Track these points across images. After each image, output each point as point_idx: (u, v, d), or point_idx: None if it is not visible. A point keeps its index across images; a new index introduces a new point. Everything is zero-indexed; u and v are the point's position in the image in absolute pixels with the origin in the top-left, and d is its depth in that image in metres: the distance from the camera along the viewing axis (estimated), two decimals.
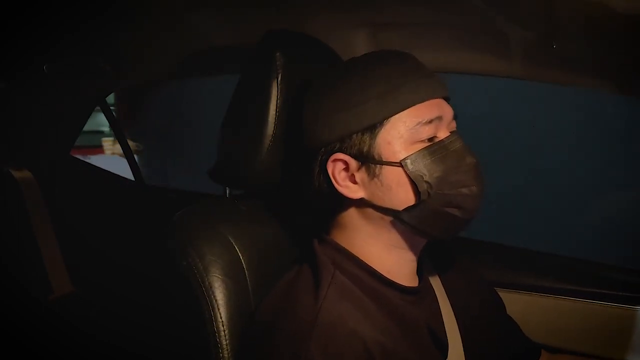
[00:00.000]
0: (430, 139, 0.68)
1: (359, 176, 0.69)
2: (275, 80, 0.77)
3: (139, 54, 1.26)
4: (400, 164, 0.67)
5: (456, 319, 0.77)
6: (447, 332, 0.74)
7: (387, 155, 0.67)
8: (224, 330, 0.71)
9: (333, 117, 0.69)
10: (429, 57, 0.86)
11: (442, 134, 0.69)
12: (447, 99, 0.72)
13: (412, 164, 0.66)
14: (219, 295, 0.71)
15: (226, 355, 0.70)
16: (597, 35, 0.76)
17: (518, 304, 1.09)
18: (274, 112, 0.77)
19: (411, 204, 0.67)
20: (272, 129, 0.77)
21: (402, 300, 0.71)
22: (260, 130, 0.77)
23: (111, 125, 1.79)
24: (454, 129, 0.71)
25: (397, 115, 0.67)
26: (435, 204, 0.67)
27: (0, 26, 1.05)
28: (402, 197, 0.68)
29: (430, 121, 0.67)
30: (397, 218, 0.69)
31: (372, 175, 0.68)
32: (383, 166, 0.67)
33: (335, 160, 0.69)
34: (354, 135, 0.68)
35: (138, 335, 1.36)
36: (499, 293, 0.93)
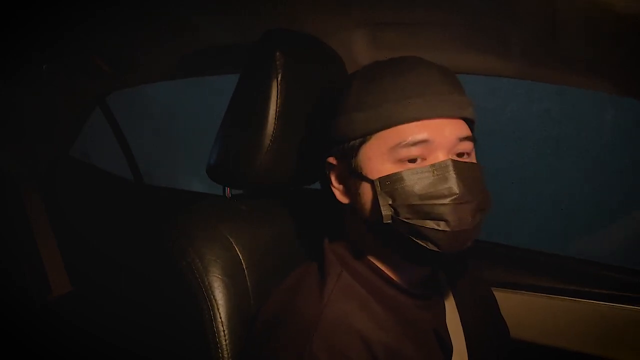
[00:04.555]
0: (415, 160, 0.63)
1: (347, 182, 0.69)
2: (275, 80, 0.77)
3: (139, 54, 1.26)
4: (373, 183, 0.64)
5: (462, 327, 0.77)
6: (452, 337, 0.74)
7: (366, 170, 0.66)
8: (224, 331, 0.70)
9: (331, 121, 0.69)
10: (429, 57, 0.86)
11: (437, 157, 0.63)
12: (469, 120, 0.67)
13: (384, 184, 0.63)
14: (219, 295, 0.71)
15: (226, 356, 0.70)
16: (597, 35, 0.76)
17: (517, 304, 1.09)
18: (274, 112, 0.77)
19: (378, 225, 0.65)
20: (272, 128, 0.77)
21: (410, 303, 0.70)
22: (260, 130, 0.77)
23: (110, 125, 1.78)
24: (464, 149, 0.66)
25: (380, 133, 0.64)
26: (402, 231, 0.64)
27: (1, 25, 1.05)
28: (373, 215, 0.66)
29: (415, 143, 0.63)
30: (372, 232, 0.68)
31: (353, 185, 0.68)
32: (362, 180, 0.66)
33: (329, 162, 0.70)
34: (344, 143, 0.67)
35: (137, 335, 1.36)
36: (499, 293, 0.93)
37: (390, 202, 0.63)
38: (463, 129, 0.66)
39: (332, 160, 0.70)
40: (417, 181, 0.62)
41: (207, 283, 0.71)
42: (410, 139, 0.63)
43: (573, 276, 1.09)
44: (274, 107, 0.77)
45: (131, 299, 1.57)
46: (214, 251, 0.73)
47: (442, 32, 0.92)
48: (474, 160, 0.68)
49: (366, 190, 0.66)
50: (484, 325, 0.82)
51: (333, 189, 0.71)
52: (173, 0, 0.96)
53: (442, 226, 0.62)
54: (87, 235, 1.75)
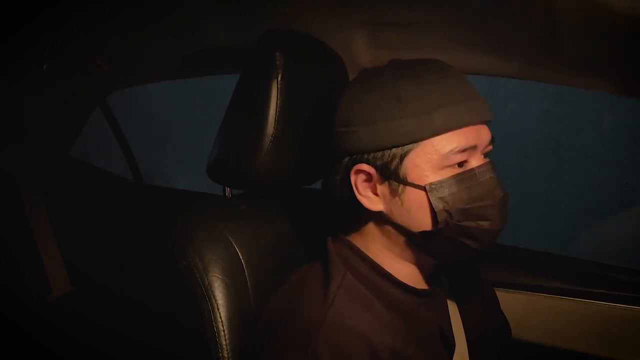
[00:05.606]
0: (461, 164, 0.65)
1: (380, 189, 0.68)
2: (275, 80, 0.77)
3: (139, 54, 1.26)
4: (425, 189, 0.64)
5: (463, 326, 0.77)
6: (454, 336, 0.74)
7: (412, 177, 0.65)
8: (224, 330, 0.71)
9: (364, 128, 0.66)
10: (429, 57, 0.85)
11: (475, 161, 0.66)
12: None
13: (436, 190, 0.64)
14: (219, 295, 0.71)
15: (226, 355, 0.70)
16: (597, 35, 0.76)
17: (517, 304, 1.09)
18: (274, 112, 0.77)
19: (427, 229, 0.66)
20: (272, 128, 0.77)
21: (413, 302, 0.70)
22: (260, 130, 0.77)
23: (110, 125, 1.78)
24: (489, 150, 0.69)
25: (430, 140, 0.64)
26: (452, 233, 0.65)
27: (1, 25, 1.05)
28: (420, 220, 0.66)
29: (465, 149, 0.64)
30: (412, 239, 0.68)
31: (393, 192, 0.67)
32: (406, 187, 0.65)
33: (360, 170, 0.68)
34: (383, 151, 0.65)
35: (137, 335, 1.36)
36: (499, 293, 0.93)
37: (443, 207, 0.64)
38: (489, 131, 0.68)
39: (363, 167, 0.67)
40: (466, 185, 0.64)
41: (207, 283, 0.71)
42: (462, 145, 0.64)
43: (573, 276, 1.09)
44: (274, 107, 0.77)
45: (131, 299, 1.57)
46: (214, 251, 0.73)
47: (442, 32, 0.92)
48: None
49: (413, 196, 0.65)
50: (486, 325, 0.82)
51: (360, 197, 0.68)
52: (173, 0, 0.96)
53: (491, 225, 0.65)
54: (87, 235, 1.75)
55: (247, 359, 0.69)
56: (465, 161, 0.65)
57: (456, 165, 0.65)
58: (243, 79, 0.82)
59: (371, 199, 0.68)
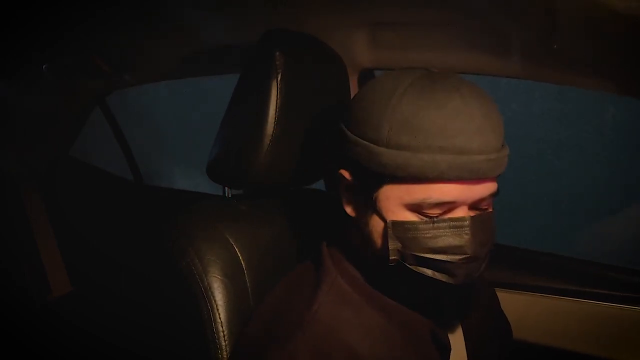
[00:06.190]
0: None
1: (356, 200, 0.67)
2: (275, 80, 0.76)
3: (139, 54, 1.26)
4: (386, 224, 0.62)
5: (462, 327, 0.77)
6: (450, 338, 0.74)
7: (381, 207, 0.62)
8: (223, 331, 0.70)
9: (355, 138, 0.63)
10: (429, 57, 0.86)
11: (456, 212, 0.60)
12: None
13: (397, 229, 0.61)
14: (218, 295, 0.71)
15: (225, 356, 0.70)
16: (597, 35, 0.76)
17: (518, 304, 1.09)
18: (274, 112, 0.77)
19: (380, 259, 0.63)
20: (272, 128, 0.77)
21: (406, 306, 0.70)
22: (260, 130, 0.77)
23: (110, 125, 1.78)
24: (482, 205, 0.62)
25: (404, 180, 0.60)
26: (403, 273, 0.62)
27: (1, 24, 1.05)
28: (377, 247, 0.64)
29: (440, 204, 0.59)
30: (370, 255, 0.66)
31: (363, 210, 0.65)
32: (374, 213, 0.63)
33: (342, 175, 0.66)
34: (366, 171, 0.62)
35: (137, 335, 1.36)
36: (499, 293, 0.93)
37: (399, 248, 0.61)
38: (491, 187, 0.62)
39: (346, 174, 0.66)
40: (431, 234, 0.60)
41: (206, 283, 0.71)
42: (437, 199, 0.59)
43: (573, 276, 1.09)
44: (274, 107, 0.77)
45: (131, 299, 1.57)
46: (214, 251, 0.73)
47: (442, 32, 0.92)
48: (491, 207, 0.65)
49: (376, 224, 0.63)
50: (486, 325, 0.82)
51: (341, 194, 0.68)
52: (173, 1, 0.96)
53: (448, 279, 0.61)
54: (87, 235, 1.75)
55: (236, 357, 0.69)
56: (443, 213, 0.60)
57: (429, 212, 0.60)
58: (243, 79, 0.81)
59: (349, 203, 0.67)
